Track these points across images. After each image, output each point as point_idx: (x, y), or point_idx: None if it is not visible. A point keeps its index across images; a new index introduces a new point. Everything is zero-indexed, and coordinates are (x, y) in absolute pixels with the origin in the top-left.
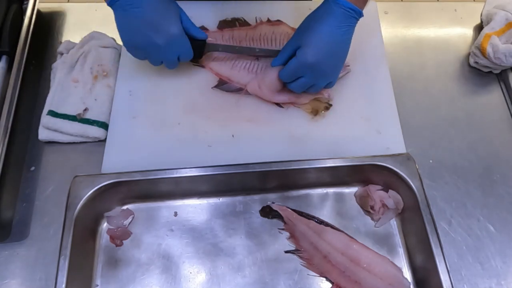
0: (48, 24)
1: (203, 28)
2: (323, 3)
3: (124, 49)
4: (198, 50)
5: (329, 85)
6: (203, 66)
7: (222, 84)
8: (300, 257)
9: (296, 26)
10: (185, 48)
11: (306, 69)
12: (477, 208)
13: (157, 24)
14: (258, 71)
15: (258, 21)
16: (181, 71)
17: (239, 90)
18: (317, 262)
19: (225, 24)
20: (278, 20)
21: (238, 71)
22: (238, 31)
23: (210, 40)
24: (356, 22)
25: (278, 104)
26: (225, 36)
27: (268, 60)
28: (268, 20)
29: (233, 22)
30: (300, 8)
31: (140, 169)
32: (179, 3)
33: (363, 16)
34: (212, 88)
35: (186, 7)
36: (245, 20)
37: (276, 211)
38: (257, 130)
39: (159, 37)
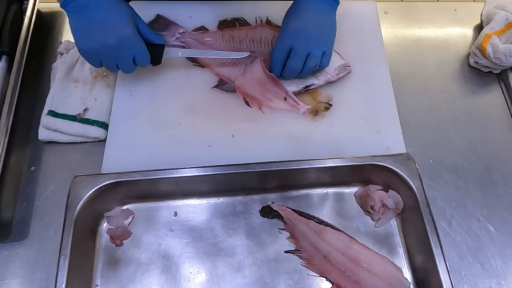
0: (48, 24)
1: (203, 28)
2: None
3: None
4: (157, 54)
5: (325, 57)
6: (203, 66)
7: (222, 84)
8: (300, 257)
9: None
10: (139, 50)
11: (293, 36)
12: (477, 208)
13: (109, 25)
14: None
15: (258, 21)
16: (181, 71)
17: None
18: (317, 262)
19: (224, 25)
20: (279, 26)
21: (238, 71)
22: (238, 31)
23: (195, 38)
24: (336, 7)
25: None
26: (225, 36)
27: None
28: (268, 22)
29: (233, 22)
30: None
31: (140, 169)
32: (179, 3)
33: (339, 3)
34: (212, 88)
35: (186, 7)
36: (245, 20)
37: (276, 211)
38: (257, 130)
39: (111, 37)
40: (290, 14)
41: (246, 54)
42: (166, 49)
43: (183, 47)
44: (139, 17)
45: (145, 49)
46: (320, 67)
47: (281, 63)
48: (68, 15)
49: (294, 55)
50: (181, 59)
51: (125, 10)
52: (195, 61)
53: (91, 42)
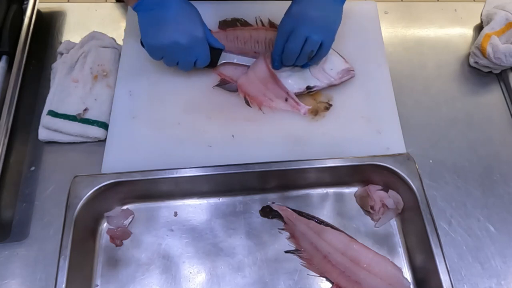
0: (48, 24)
1: None
2: None
3: (124, 49)
4: (214, 58)
5: (324, 44)
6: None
7: (224, 84)
8: (300, 257)
9: None
10: (204, 53)
11: (293, 19)
12: (477, 208)
13: (183, 25)
14: None
15: (258, 21)
16: (181, 71)
17: None
18: (317, 262)
19: (225, 25)
20: None
21: (241, 72)
22: (242, 32)
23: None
24: (342, 1)
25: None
26: (229, 36)
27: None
28: (272, 25)
29: (233, 22)
30: None
31: (140, 169)
32: None
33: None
34: (213, 87)
35: None
36: (245, 21)
37: (276, 211)
38: (257, 130)
39: (183, 37)
40: (293, 1)
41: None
42: (223, 54)
43: None
44: (203, 21)
45: (208, 53)
46: (318, 55)
47: (281, 48)
48: (138, 14)
49: (293, 37)
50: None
51: (196, 12)
52: (208, 68)
53: (161, 39)
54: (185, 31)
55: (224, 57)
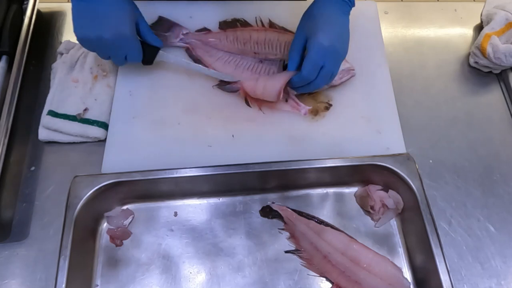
0: (48, 24)
1: (205, 29)
2: None
3: None
4: (149, 55)
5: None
6: (206, 67)
7: (224, 84)
8: (300, 257)
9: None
10: (133, 50)
11: (324, 54)
12: (477, 208)
13: (109, 20)
14: (262, 73)
15: (258, 21)
16: (181, 71)
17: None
18: (317, 262)
19: (226, 25)
20: (283, 28)
21: (241, 72)
22: (242, 32)
23: (200, 38)
24: (350, 10)
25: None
26: (229, 37)
27: (272, 64)
28: (272, 25)
29: (233, 22)
30: (299, 8)
31: (140, 169)
32: (179, 3)
33: (354, 6)
34: (213, 86)
35: (186, 7)
36: (245, 21)
37: (276, 211)
38: (257, 130)
39: (108, 32)
40: (316, 25)
41: (233, 80)
42: (160, 53)
43: (187, 47)
44: (142, 17)
45: (139, 50)
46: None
47: (307, 80)
48: (72, 2)
49: (323, 74)
50: (186, 69)
51: (127, 8)
52: (198, 61)
53: (87, 32)
54: (111, 26)
55: (161, 56)
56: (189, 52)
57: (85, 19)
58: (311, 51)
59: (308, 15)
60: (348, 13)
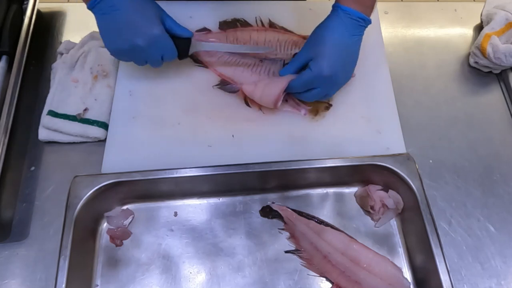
0: (48, 24)
1: (205, 29)
2: (332, 13)
3: None
4: (183, 48)
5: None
6: (206, 67)
7: (225, 85)
8: (300, 257)
9: (297, 29)
10: (167, 48)
11: (321, 81)
12: (477, 208)
13: (137, 26)
14: (262, 73)
15: (258, 21)
16: (181, 71)
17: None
18: (317, 262)
19: (226, 25)
20: (283, 28)
21: (241, 71)
22: (242, 32)
23: (200, 38)
24: (364, 30)
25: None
26: (229, 37)
27: (272, 63)
28: (272, 25)
29: (233, 22)
30: (299, 8)
31: (140, 169)
32: (179, 3)
33: (371, 23)
34: (213, 87)
35: (186, 7)
36: (245, 21)
37: (276, 211)
38: (257, 130)
39: (140, 38)
40: (323, 46)
41: (271, 49)
42: (193, 42)
43: None
44: (165, 12)
45: (173, 47)
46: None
47: (297, 91)
48: (95, 17)
49: (312, 94)
50: (187, 68)
51: (151, 8)
52: (198, 62)
53: (120, 43)
54: (142, 31)
55: (195, 46)
56: None
57: (114, 31)
58: (306, 73)
59: (319, 34)
60: (362, 34)
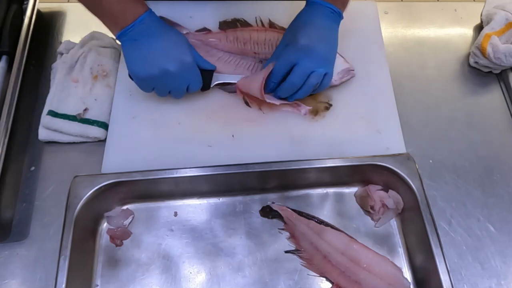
0: (48, 24)
1: (205, 29)
2: (305, 6)
3: None
4: (207, 80)
5: (327, 76)
6: None
7: (225, 85)
8: (300, 257)
9: None
10: (195, 77)
11: (300, 53)
12: (477, 208)
13: (171, 53)
14: None
15: (258, 21)
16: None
17: None
18: (317, 262)
19: (226, 25)
20: (283, 28)
21: (242, 71)
22: (241, 32)
23: (200, 39)
24: (339, 22)
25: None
26: (229, 37)
27: None
28: (272, 25)
29: (233, 22)
30: (299, 8)
31: (140, 169)
32: (179, 3)
33: (342, 18)
34: (212, 86)
35: (186, 7)
36: (245, 21)
37: (276, 211)
38: (257, 130)
39: (172, 64)
40: (296, 28)
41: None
42: (215, 75)
43: None
44: (191, 45)
45: (200, 77)
46: (320, 87)
47: (281, 76)
48: (123, 45)
49: (298, 71)
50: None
51: (182, 38)
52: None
53: (150, 69)
54: (174, 57)
55: (217, 78)
56: None
57: (144, 57)
58: (286, 50)
59: (293, 23)
60: (338, 23)
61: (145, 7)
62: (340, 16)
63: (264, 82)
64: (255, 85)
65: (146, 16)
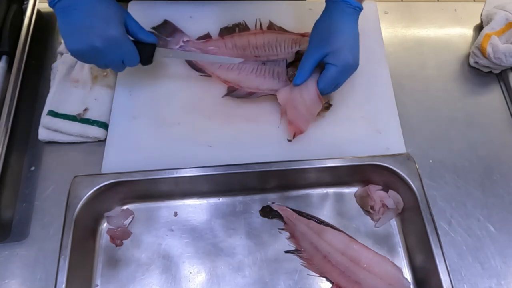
0: (48, 24)
1: (207, 36)
2: (331, 5)
3: None
4: (147, 54)
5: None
6: (209, 75)
7: (232, 91)
8: (300, 257)
9: (297, 29)
10: (128, 51)
11: (347, 72)
12: (477, 208)
13: (95, 27)
14: (267, 75)
15: (258, 23)
16: (181, 70)
17: (250, 94)
18: (317, 262)
19: (226, 31)
20: (281, 28)
21: (246, 75)
22: (239, 38)
23: (199, 47)
24: (357, 20)
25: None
26: (227, 44)
27: (275, 64)
28: (270, 26)
29: (233, 28)
30: (299, 8)
31: (140, 169)
32: (179, 3)
33: (362, 9)
34: (222, 97)
35: (186, 7)
36: (245, 24)
37: (276, 211)
38: (257, 130)
39: (98, 39)
40: (338, 34)
41: (240, 60)
42: (158, 49)
43: None
44: (129, 15)
45: (134, 50)
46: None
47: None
48: (57, 16)
49: (335, 87)
50: (186, 69)
51: (112, 10)
52: (201, 71)
53: (78, 43)
54: (99, 33)
55: (160, 53)
56: (189, 61)
57: (73, 32)
58: (334, 70)
59: (324, 27)
60: (357, 20)
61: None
62: (361, 9)
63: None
64: (310, 91)
65: None
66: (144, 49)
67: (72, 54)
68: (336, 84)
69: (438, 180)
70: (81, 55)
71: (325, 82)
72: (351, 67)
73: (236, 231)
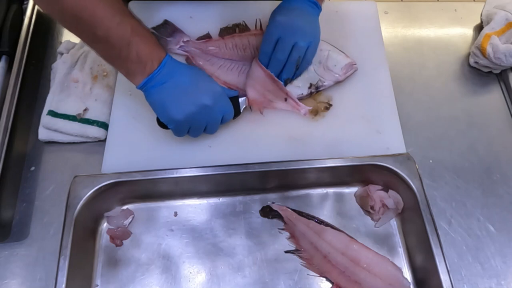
0: (48, 24)
1: (207, 36)
2: None
3: None
4: (236, 107)
5: (310, 50)
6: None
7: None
8: (300, 257)
9: None
10: (228, 105)
11: (280, 28)
12: (477, 208)
13: (201, 86)
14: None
15: (258, 24)
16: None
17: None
18: (317, 262)
19: (226, 32)
20: None
21: (245, 77)
22: (240, 38)
23: (200, 47)
24: (318, 13)
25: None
26: (228, 44)
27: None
28: None
29: (233, 28)
30: None
31: (140, 169)
32: (179, 3)
33: (321, 10)
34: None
35: (186, 7)
36: (245, 24)
37: (276, 211)
38: (257, 130)
39: (207, 97)
40: (276, 11)
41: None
42: (241, 100)
43: (186, 56)
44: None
45: (231, 105)
46: (304, 62)
47: (268, 55)
48: (148, 91)
49: (280, 46)
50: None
51: (202, 70)
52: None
53: (186, 107)
54: (206, 90)
55: (243, 102)
56: (189, 61)
57: (176, 98)
58: (267, 27)
59: (276, 11)
60: (318, 14)
61: (164, 49)
62: (319, 8)
63: (259, 62)
64: (256, 71)
65: (168, 58)
66: (232, 103)
67: (176, 124)
68: (275, 39)
69: (438, 180)
70: (188, 119)
71: (262, 43)
72: (282, 24)
73: (236, 231)
